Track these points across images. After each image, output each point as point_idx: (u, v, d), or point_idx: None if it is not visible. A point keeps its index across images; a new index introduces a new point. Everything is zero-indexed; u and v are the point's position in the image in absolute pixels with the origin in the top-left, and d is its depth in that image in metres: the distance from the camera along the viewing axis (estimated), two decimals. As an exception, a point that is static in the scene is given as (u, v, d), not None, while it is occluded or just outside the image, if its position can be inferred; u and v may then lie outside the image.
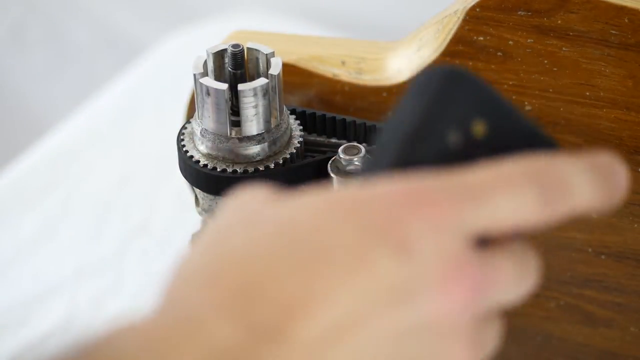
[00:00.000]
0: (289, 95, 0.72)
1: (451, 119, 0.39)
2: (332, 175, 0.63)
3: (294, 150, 0.64)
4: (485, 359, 0.40)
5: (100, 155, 1.10)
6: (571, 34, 0.66)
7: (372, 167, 0.40)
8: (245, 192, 0.42)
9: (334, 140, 0.68)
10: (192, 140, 0.65)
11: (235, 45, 0.63)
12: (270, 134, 0.63)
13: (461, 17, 0.67)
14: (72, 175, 1.07)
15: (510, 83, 0.68)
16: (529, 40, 0.67)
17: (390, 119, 0.40)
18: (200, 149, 0.64)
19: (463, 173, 0.39)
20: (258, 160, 0.64)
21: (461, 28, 0.67)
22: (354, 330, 0.37)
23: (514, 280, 0.40)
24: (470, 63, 0.68)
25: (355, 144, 0.64)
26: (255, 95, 0.62)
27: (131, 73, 1.23)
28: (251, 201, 0.41)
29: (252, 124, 0.63)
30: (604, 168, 0.41)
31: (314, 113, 0.67)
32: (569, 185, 0.40)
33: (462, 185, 0.38)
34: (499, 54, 0.68)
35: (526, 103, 0.68)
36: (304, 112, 0.67)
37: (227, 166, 0.63)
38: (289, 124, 0.65)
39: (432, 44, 0.69)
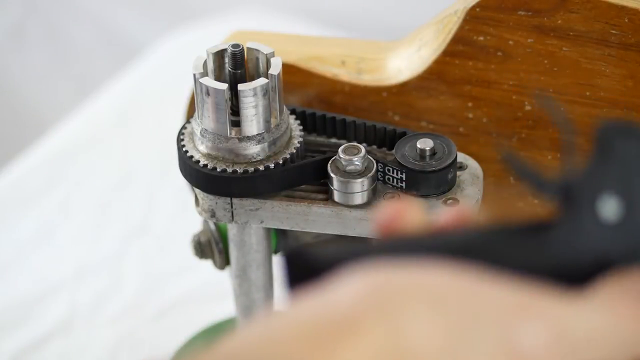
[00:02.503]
0: (289, 95, 0.72)
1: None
2: (332, 175, 0.63)
3: (294, 150, 0.64)
4: None
5: (100, 155, 1.10)
6: (571, 34, 0.66)
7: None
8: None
9: (334, 140, 0.68)
10: (192, 140, 0.65)
11: (235, 45, 0.63)
12: (270, 134, 0.63)
13: (461, 17, 0.67)
14: (72, 175, 1.07)
15: (510, 83, 0.68)
16: (529, 40, 0.67)
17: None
18: (200, 149, 0.64)
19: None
20: (258, 160, 0.64)
21: (461, 28, 0.67)
22: None
23: None
24: (470, 63, 0.68)
25: (355, 144, 0.64)
26: (255, 95, 0.62)
27: (131, 73, 1.23)
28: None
29: (252, 124, 0.63)
30: None
31: (314, 113, 0.67)
32: None
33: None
34: (499, 54, 0.68)
35: (526, 103, 0.68)
36: (304, 112, 0.67)
37: (227, 166, 0.63)
38: (289, 124, 0.65)
39: (432, 44, 0.69)
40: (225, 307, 0.82)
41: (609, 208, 0.37)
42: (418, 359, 0.38)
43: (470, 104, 0.70)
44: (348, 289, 0.39)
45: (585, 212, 0.37)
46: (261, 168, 0.63)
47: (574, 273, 0.38)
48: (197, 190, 0.65)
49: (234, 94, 0.62)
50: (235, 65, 0.64)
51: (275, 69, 0.62)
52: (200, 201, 0.66)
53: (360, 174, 0.63)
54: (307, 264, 0.40)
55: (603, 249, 0.37)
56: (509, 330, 0.37)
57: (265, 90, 0.62)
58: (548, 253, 0.38)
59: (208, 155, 0.64)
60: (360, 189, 0.63)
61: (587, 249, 0.37)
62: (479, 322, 0.38)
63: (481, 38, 0.67)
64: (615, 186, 0.37)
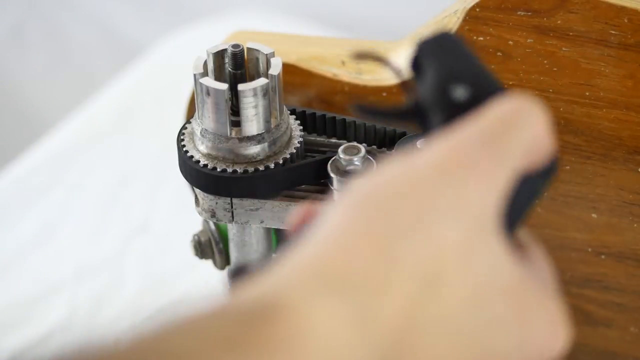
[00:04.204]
0: (289, 95, 0.72)
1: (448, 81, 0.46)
2: (332, 175, 0.63)
3: (294, 150, 0.64)
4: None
5: (100, 155, 1.10)
6: (571, 34, 0.66)
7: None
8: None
9: (334, 140, 0.68)
10: (192, 140, 0.65)
11: (235, 45, 0.63)
12: (270, 134, 0.63)
13: (461, 17, 0.67)
14: (72, 175, 1.07)
15: (510, 83, 0.68)
16: (529, 40, 0.67)
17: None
18: (200, 149, 0.64)
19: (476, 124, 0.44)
20: (258, 160, 0.64)
21: (461, 28, 0.67)
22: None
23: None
24: (470, 63, 0.68)
25: (355, 144, 0.64)
26: (255, 95, 0.62)
27: (131, 73, 1.23)
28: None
29: (252, 124, 0.63)
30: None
31: (314, 113, 0.67)
32: None
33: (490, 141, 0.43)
34: (499, 54, 0.68)
35: (526, 103, 0.68)
36: (304, 112, 0.67)
37: (227, 166, 0.63)
38: (289, 124, 0.65)
39: (432, 44, 0.69)
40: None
41: (458, 92, 0.45)
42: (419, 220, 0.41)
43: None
44: (334, 211, 0.42)
45: (442, 101, 0.45)
46: (261, 168, 0.63)
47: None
48: (197, 190, 0.65)
49: (234, 94, 0.63)
50: (235, 66, 0.64)
51: (275, 69, 0.62)
52: (200, 201, 0.66)
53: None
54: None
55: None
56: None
57: (265, 91, 0.62)
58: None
59: (208, 155, 0.64)
60: (360, 189, 0.63)
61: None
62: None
63: (481, 38, 0.67)
64: (457, 77, 0.45)
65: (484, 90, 0.45)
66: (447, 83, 0.45)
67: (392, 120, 0.47)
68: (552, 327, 0.44)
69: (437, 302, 0.40)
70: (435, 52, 0.46)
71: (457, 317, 0.40)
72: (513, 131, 0.44)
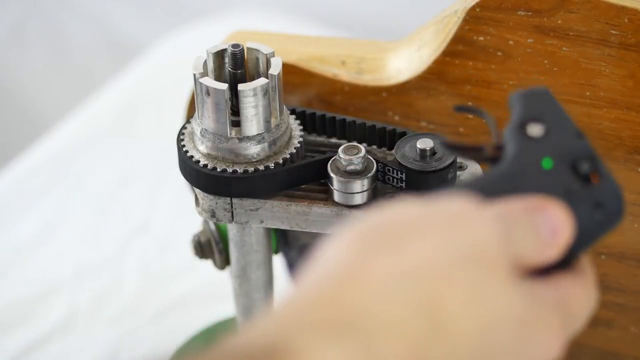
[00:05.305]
0: (289, 95, 0.72)
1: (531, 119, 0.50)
2: (332, 175, 0.63)
3: (294, 150, 0.64)
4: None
5: (100, 155, 1.10)
6: (571, 34, 0.66)
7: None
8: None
9: (334, 140, 0.68)
10: (192, 140, 0.65)
11: (235, 45, 0.63)
12: (270, 134, 0.63)
13: (461, 17, 0.67)
14: (72, 175, 1.07)
15: (510, 83, 0.68)
16: (529, 40, 0.67)
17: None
18: (200, 149, 0.64)
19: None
20: (258, 160, 0.64)
21: (461, 28, 0.67)
22: None
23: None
24: (470, 63, 0.68)
25: (355, 144, 0.64)
26: (255, 95, 0.62)
27: (131, 73, 1.23)
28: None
29: (252, 124, 0.63)
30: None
31: (314, 113, 0.67)
32: None
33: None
34: (499, 54, 0.68)
35: (526, 103, 0.68)
36: (304, 112, 0.67)
37: (227, 166, 0.63)
38: (289, 124, 0.65)
39: (432, 44, 0.69)
40: (225, 307, 0.82)
41: (534, 129, 0.49)
42: (430, 272, 0.42)
43: (470, 104, 0.70)
44: (336, 244, 0.43)
45: (517, 134, 0.49)
46: (261, 168, 0.63)
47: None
48: (197, 190, 0.65)
49: (234, 94, 0.62)
50: (235, 65, 0.64)
51: (275, 69, 0.62)
52: (200, 201, 0.66)
53: (360, 174, 0.63)
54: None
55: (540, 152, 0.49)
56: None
57: (265, 90, 0.62)
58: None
59: (208, 155, 0.64)
60: (360, 189, 0.63)
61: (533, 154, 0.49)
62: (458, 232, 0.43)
63: (481, 38, 0.67)
64: (536, 117, 0.49)
65: (558, 132, 0.49)
66: (526, 119, 0.49)
67: (472, 156, 0.51)
68: (550, 339, 0.44)
69: (443, 338, 0.40)
70: (525, 98, 0.50)
71: (464, 350, 0.41)
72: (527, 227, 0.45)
